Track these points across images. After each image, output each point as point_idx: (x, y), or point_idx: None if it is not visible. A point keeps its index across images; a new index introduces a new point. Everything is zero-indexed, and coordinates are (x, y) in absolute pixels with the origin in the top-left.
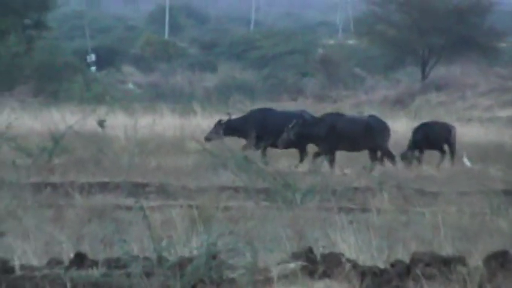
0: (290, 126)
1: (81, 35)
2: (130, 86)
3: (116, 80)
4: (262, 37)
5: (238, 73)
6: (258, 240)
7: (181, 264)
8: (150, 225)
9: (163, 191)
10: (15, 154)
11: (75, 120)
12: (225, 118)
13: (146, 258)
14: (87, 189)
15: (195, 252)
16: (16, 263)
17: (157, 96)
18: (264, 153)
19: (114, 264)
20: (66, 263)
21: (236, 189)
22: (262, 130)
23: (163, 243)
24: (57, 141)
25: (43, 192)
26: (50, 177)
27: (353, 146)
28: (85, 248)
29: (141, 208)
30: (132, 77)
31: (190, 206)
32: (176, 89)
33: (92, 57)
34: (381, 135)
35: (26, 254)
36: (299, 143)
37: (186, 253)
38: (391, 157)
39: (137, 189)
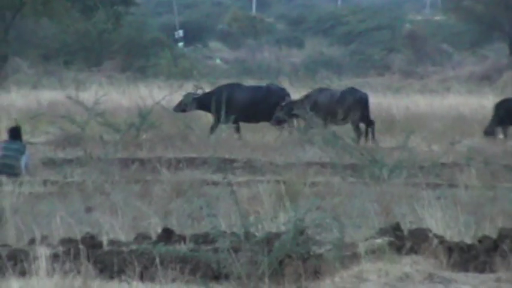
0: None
1: (169, 10)
2: (218, 61)
3: (203, 56)
4: (349, 13)
5: (325, 49)
6: (345, 215)
7: (269, 239)
8: (237, 200)
9: (250, 166)
10: (103, 129)
11: (162, 96)
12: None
13: (233, 234)
14: (174, 164)
15: (282, 227)
16: (104, 238)
17: (244, 72)
18: (237, 129)
19: (201, 239)
20: (154, 238)
21: (323, 165)
22: (230, 105)
23: (251, 219)
24: (144, 117)
25: (131, 168)
26: (138, 152)
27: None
28: (172, 223)
29: (229, 183)
30: (219, 52)
31: (277, 182)
32: (263, 65)
33: (180, 33)
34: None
35: (113, 229)
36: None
37: (273, 228)
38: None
39: (224, 164)
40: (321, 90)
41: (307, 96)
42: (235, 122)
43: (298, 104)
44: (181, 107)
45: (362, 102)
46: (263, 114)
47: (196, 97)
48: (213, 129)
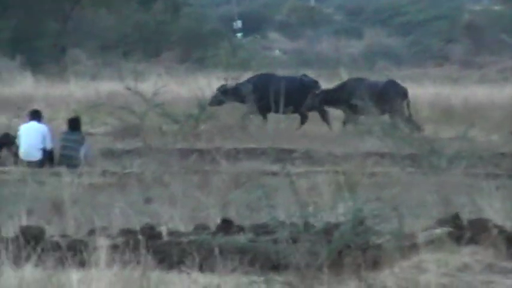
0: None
1: (227, 1)
2: (276, 52)
3: (262, 47)
4: (408, 3)
5: (383, 39)
6: (404, 206)
7: (328, 230)
8: (296, 191)
9: (309, 157)
10: (162, 120)
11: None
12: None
13: (292, 224)
14: (233, 155)
15: (341, 218)
16: (163, 229)
17: (302, 63)
18: (265, 119)
19: (260, 230)
20: (213, 228)
21: (382, 155)
22: (263, 95)
23: (310, 209)
24: (203, 108)
25: (190, 159)
26: (197, 143)
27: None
28: (231, 214)
29: (288, 174)
30: (277, 43)
31: (336, 172)
32: (322, 56)
33: (238, 24)
34: (397, 100)
35: (173, 219)
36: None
37: (332, 219)
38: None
39: (283, 155)
40: (357, 80)
41: (341, 86)
42: (268, 112)
43: (332, 93)
44: (217, 101)
45: (403, 96)
46: (295, 105)
47: (229, 88)
48: (244, 119)
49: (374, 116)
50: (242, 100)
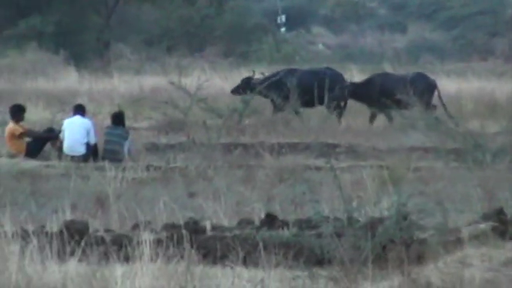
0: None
1: None
2: (320, 46)
3: (306, 41)
4: None
5: (427, 34)
6: (448, 200)
7: (372, 224)
8: (340, 185)
9: (353, 151)
10: (206, 115)
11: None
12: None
13: (337, 219)
14: (277, 149)
15: (385, 212)
16: (207, 224)
17: (346, 57)
18: (298, 112)
19: (304, 224)
20: (257, 223)
21: (426, 150)
22: (288, 89)
23: (354, 204)
24: (247, 102)
25: (233, 153)
26: (240, 137)
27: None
28: (275, 209)
29: (332, 168)
30: (321, 37)
31: (380, 167)
32: (366, 50)
33: (282, 18)
34: (428, 93)
35: (216, 214)
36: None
37: (376, 213)
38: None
39: (327, 149)
40: (385, 74)
41: (369, 80)
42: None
43: (359, 87)
44: (239, 91)
45: (432, 88)
46: (319, 98)
47: (255, 82)
48: (274, 113)
49: (400, 110)
50: (266, 94)
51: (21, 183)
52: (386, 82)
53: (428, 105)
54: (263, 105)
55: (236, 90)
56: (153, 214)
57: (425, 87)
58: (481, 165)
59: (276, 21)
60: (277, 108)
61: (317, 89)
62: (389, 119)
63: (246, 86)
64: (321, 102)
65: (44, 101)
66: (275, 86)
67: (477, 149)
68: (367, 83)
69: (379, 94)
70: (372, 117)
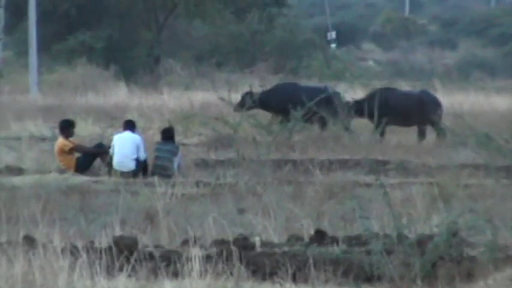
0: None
1: (321, 12)
2: (370, 63)
3: (356, 57)
4: (503, 14)
5: (478, 50)
6: (498, 218)
7: (422, 241)
8: (390, 202)
9: (403, 168)
10: (256, 131)
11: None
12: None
13: (386, 236)
14: (327, 166)
15: (435, 229)
16: (257, 240)
17: (396, 73)
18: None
19: (354, 241)
20: (307, 239)
21: (476, 167)
22: (286, 104)
23: (404, 221)
24: (297, 119)
25: (283, 169)
26: (290, 154)
27: (405, 121)
28: (325, 225)
29: (382, 185)
30: (371, 54)
31: (430, 184)
32: (416, 66)
33: (332, 35)
34: (434, 111)
35: (266, 230)
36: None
37: (426, 230)
38: (442, 133)
39: (377, 166)
40: (388, 90)
41: (371, 96)
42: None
43: (362, 103)
44: (241, 106)
45: (438, 106)
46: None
47: (256, 97)
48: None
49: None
50: (265, 108)
51: (70, 198)
52: (390, 97)
53: (435, 123)
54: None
55: (239, 107)
56: (202, 230)
57: (432, 105)
58: None
59: (326, 37)
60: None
61: (316, 105)
62: (441, 135)
63: (248, 101)
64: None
65: (93, 116)
66: (273, 100)
67: None
68: (371, 98)
69: (382, 109)
70: (421, 134)
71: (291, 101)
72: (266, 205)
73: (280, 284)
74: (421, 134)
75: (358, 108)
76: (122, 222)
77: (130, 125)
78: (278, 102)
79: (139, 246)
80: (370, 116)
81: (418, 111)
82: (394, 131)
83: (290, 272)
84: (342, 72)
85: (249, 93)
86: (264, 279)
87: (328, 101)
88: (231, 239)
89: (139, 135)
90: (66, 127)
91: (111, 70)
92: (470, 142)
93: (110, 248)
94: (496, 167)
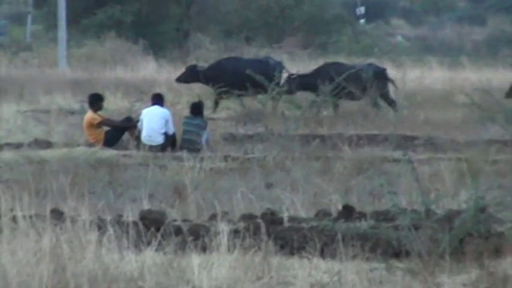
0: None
1: None
2: (399, 38)
3: (384, 33)
4: None
5: (507, 26)
6: None
7: (449, 217)
8: (418, 178)
9: (431, 144)
10: (285, 106)
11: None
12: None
13: (414, 211)
14: (355, 141)
15: (463, 205)
16: (284, 215)
17: (425, 49)
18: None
19: (382, 216)
20: (334, 214)
21: (505, 143)
22: (231, 78)
23: (432, 196)
24: (325, 94)
25: (311, 144)
26: (318, 129)
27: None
28: (353, 200)
29: (410, 161)
30: (400, 29)
31: (458, 159)
32: (444, 43)
33: (361, 10)
34: (382, 83)
35: (294, 205)
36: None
37: (454, 206)
38: (392, 105)
39: (405, 142)
40: (335, 64)
41: (318, 70)
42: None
43: (307, 77)
44: (184, 79)
45: (381, 78)
46: (261, 86)
47: (200, 70)
48: (216, 102)
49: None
50: (207, 82)
51: (99, 172)
52: (334, 72)
53: (383, 95)
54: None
55: (181, 79)
56: (230, 204)
57: (375, 77)
58: None
59: (355, 13)
60: (217, 95)
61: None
62: (392, 106)
63: (191, 74)
64: (264, 91)
65: (122, 91)
66: (217, 74)
67: None
68: (316, 73)
69: (328, 84)
70: (374, 105)
71: (233, 75)
72: (294, 180)
73: (308, 259)
74: (375, 106)
75: (302, 82)
76: (150, 196)
77: (158, 99)
78: (220, 77)
79: (167, 220)
80: (314, 90)
81: (361, 84)
82: (422, 106)
83: (318, 247)
84: (370, 47)
85: (193, 67)
86: (291, 254)
87: (269, 73)
88: (259, 213)
89: (167, 110)
90: (95, 101)
91: (140, 44)
92: (498, 118)
93: (138, 221)
94: None
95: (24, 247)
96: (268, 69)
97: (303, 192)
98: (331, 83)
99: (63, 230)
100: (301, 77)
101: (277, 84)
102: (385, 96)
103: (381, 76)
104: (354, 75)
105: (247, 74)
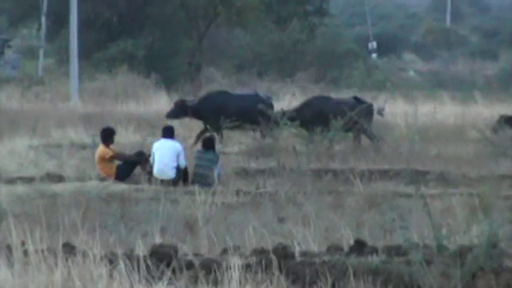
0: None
1: (362, 22)
2: (411, 73)
3: (396, 67)
4: None
5: None
6: None
7: (461, 252)
8: (430, 213)
9: (443, 179)
10: (296, 140)
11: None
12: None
13: (426, 246)
14: (367, 176)
15: (475, 240)
16: (296, 249)
17: (437, 84)
18: (221, 136)
19: (394, 251)
20: (346, 249)
21: None
22: (220, 112)
23: (443, 231)
24: (337, 128)
25: (323, 179)
26: (330, 163)
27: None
28: (365, 235)
29: (422, 196)
30: (412, 64)
31: (470, 195)
32: (457, 77)
33: (374, 45)
34: (367, 117)
35: (306, 240)
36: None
37: (466, 241)
38: (374, 140)
39: (417, 176)
40: (321, 98)
41: (305, 104)
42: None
43: (296, 111)
44: (173, 114)
45: (367, 112)
46: (251, 121)
47: (190, 104)
48: (200, 134)
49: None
50: (197, 116)
51: (110, 206)
52: (323, 106)
53: (365, 130)
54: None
55: (171, 114)
56: (242, 239)
57: (363, 111)
58: None
59: (367, 48)
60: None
61: (249, 112)
62: (373, 141)
63: (180, 109)
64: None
65: (134, 124)
66: (207, 109)
67: None
68: (303, 107)
69: (317, 117)
70: (356, 141)
71: (222, 109)
72: (306, 214)
73: None
74: (356, 141)
75: (290, 116)
76: (161, 230)
77: (169, 131)
78: (209, 111)
79: (179, 254)
80: (303, 124)
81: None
82: (434, 141)
83: (329, 281)
84: (382, 82)
85: (181, 102)
86: None
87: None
88: (270, 248)
89: (179, 143)
90: (107, 135)
91: (152, 78)
92: (510, 153)
93: (149, 256)
94: None
95: (36, 281)
96: (258, 104)
97: (315, 227)
98: (318, 116)
99: (75, 264)
100: (291, 111)
101: (269, 118)
102: (367, 130)
103: (367, 110)
104: (339, 109)
105: (237, 108)
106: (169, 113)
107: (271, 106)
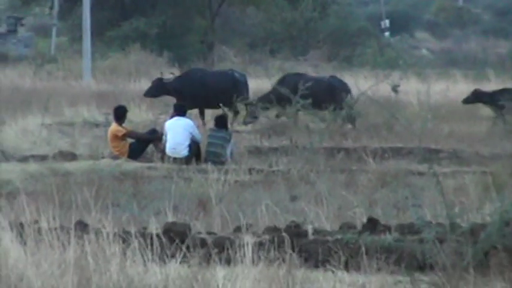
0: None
1: (375, 0)
2: (424, 51)
3: (409, 46)
4: None
5: None
6: None
7: (474, 230)
8: (443, 191)
9: (456, 157)
10: (309, 119)
11: (368, 86)
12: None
13: (439, 224)
14: (380, 154)
15: (487, 219)
16: (309, 227)
17: (450, 62)
18: (202, 115)
19: (406, 229)
20: (359, 227)
21: None
22: (197, 90)
23: (456, 210)
24: (350, 107)
25: (336, 157)
26: (343, 142)
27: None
28: (377, 213)
29: (434, 174)
30: (425, 42)
31: (483, 173)
32: (469, 56)
33: (386, 23)
34: (342, 96)
35: (318, 218)
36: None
37: (478, 219)
38: (351, 119)
39: (430, 155)
40: (296, 75)
41: (279, 81)
42: (196, 108)
43: (272, 90)
44: (151, 93)
45: (347, 91)
46: (226, 99)
47: (167, 82)
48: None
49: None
50: (175, 94)
51: (123, 184)
52: (299, 83)
53: (341, 107)
54: (365, 109)
55: (149, 93)
56: (255, 217)
57: (341, 90)
58: None
59: (380, 26)
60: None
61: (224, 90)
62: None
63: (158, 88)
64: (228, 104)
65: (147, 103)
66: (185, 86)
67: None
68: (278, 84)
69: (292, 95)
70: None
71: (200, 87)
72: (319, 193)
73: (332, 272)
74: (349, 119)
75: (267, 96)
76: (174, 208)
77: (180, 109)
78: (187, 88)
79: (192, 232)
80: (278, 101)
81: (327, 97)
82: (447, 119)
83: (342, 259)
84: (395, 60)
85: (159, 80)
86: (316, 266)
87: (235, 86)
88: (283, 226)
89: (191, 120)
90: (120, 113)
91: (164, 57)
92: None
93: (162, 234)
94: None
95: (49, 259)
96: (234, 82)
97: (328, 205)
98: (293, 93)
99: (88, 242)
100: (268, 92)
101: (246, 97)
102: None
103: (342, 89)
104: (314, 86)
105: (213, 85)
106: (147, 91)
107: (245, 84)
